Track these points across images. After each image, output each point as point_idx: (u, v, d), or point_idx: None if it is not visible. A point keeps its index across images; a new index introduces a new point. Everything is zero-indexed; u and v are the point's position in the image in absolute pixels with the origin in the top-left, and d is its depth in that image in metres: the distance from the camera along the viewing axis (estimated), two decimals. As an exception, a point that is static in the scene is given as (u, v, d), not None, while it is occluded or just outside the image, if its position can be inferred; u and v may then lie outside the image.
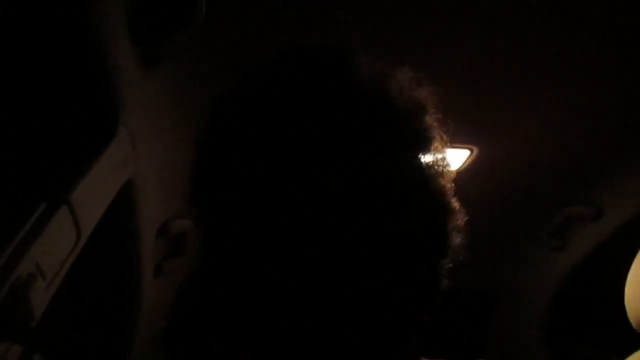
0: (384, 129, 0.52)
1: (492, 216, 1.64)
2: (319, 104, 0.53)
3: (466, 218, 0.57)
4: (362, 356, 0.49)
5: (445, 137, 0.57)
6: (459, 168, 1.46)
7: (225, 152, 0.55)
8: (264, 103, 0.54)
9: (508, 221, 1.71)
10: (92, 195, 0.84)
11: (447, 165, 0.57)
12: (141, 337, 1.37)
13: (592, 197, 1.57)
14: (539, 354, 1.77)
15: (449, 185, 0.56)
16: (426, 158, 0.55)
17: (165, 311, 1.54)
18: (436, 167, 0.55)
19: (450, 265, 0.53)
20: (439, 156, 0.56)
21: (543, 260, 1.73)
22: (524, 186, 1.57)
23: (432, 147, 0.55)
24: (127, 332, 1.27)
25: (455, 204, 0.56)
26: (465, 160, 1.44)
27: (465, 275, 0.54)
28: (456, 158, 1.43)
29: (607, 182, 1.53)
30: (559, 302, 1.75)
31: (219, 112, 0.57)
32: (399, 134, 0.53)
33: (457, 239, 0.55)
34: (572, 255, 1.67)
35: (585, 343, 1.79)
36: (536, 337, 1.77)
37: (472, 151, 1.42)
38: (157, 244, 1.32)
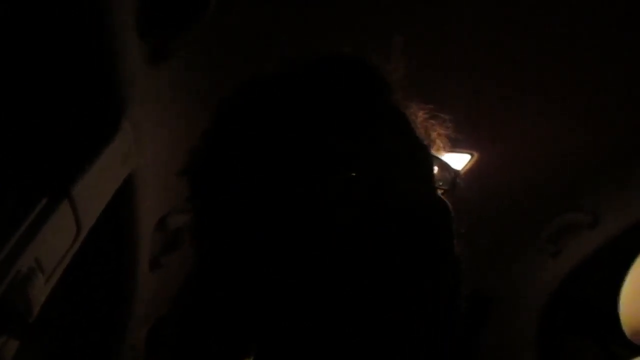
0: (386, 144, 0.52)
1: (489, 220, 1.65)
2: (330, 111, 0.53)
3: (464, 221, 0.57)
4: (362, 356, 0.48)
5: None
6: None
7: (228, 152, 0.55)
8: (276, 106, 0.54)
9: (505, 226, 1.71)
10: (94, 191, 0.83)
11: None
12: (136, 330, 1.37)
13: (589, 205, 1.58)
14: (531, 357, 1.78)
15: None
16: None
17: (160, 303, 1.54)
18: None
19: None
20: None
21: (538, 265, 1.74)
22: (523, 192, 1.57)
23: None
24: (121, 325, 1.27)
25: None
26: (466, 165, 1.44)
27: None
28: (457, 162, 1.43)
29: (605, 190, 1.54)
30: (552, 307, 1.76)
31: (225, 114, 0.58)
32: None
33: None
34: (567, 261, 1.68)
35: (578, 345, 1.81)
36: (529, 341, 1.78)
37: (472, 156, 1.42)
38: (154, 238, 1.32)
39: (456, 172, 0.57)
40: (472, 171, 1.46)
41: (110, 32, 0.72)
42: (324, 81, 0.55)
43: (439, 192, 0.55)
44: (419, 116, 0.58)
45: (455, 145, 1.40)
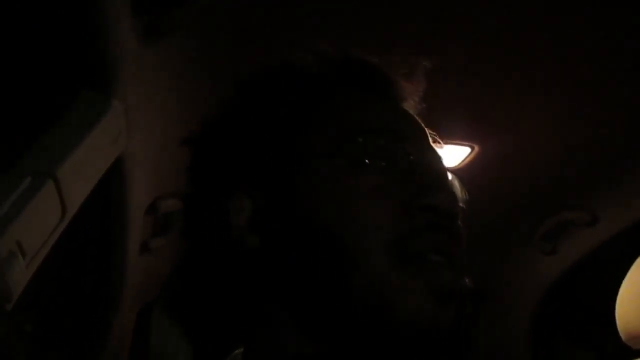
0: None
1: (486, 215, 1.63)
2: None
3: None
4: (358, 352, 0.46)
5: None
6: (458, 165, 1.44)
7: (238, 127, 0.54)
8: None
9: (502, 221, 1.70)
10: (81, 172, 0.80)
11: None
12: (124, 314, 1.35)
13: (588, 203, 1.57)
14: (524, 355, 1.78)
15: None
16: None
17: (149, 288, 1.52)
18: None
19: None
20: None
21: (534, 262, 1.73)
22: (522, 188, 1.56)
23: None
24: (109, 309, 1.25)
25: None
26: (465, 158, 1.42)
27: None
28: (456, 154, 1.41)
29: (605, 189, 1.53)
30: (546, 306, 1.75)
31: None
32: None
33: None
34: (563, 259, 1.67)
35: (571, 345, 1.81)
36: (522, 338, 1.78)
37: (472, 149, 1.40)
38: (145, 222, 1.29)
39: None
40: (471, 164, 1.45)
41: (104, 7, 0.69)
42: (318, 78, 0.55)
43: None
44: (416, 106, 0.58)
45: (457, 137, 1.39)
